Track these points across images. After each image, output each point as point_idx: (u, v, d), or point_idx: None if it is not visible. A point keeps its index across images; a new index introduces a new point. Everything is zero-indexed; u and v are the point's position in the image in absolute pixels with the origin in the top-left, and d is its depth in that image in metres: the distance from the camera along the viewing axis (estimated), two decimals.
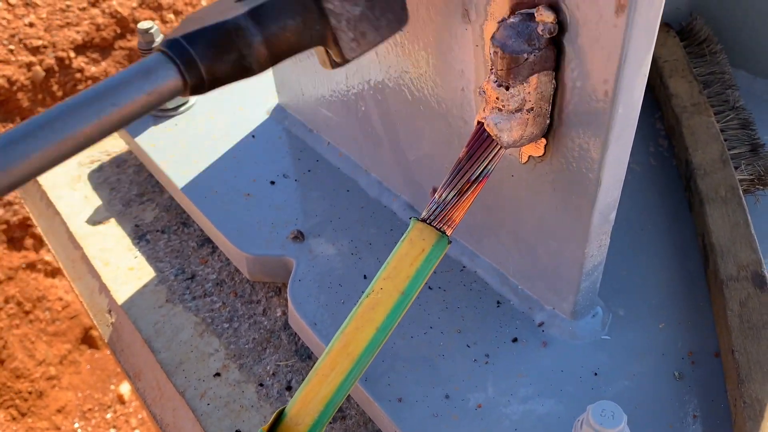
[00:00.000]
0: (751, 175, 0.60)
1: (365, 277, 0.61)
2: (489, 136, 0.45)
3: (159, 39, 0.78)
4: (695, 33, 0.77)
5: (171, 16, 1.83)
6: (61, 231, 0.81)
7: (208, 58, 0.35)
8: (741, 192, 0.58)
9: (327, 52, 0.42)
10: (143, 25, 0.77)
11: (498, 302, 0.59)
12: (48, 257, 1.67)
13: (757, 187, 0.61)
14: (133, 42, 1.75)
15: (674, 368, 0.53)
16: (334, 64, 0.42)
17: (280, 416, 0.44)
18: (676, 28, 0.79)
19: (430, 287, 0.60)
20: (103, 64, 1.70)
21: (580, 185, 0.46)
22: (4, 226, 1.59)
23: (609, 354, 0.54)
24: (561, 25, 0.41)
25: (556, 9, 0.40)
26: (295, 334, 0.64)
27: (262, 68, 0.37)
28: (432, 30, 0.51)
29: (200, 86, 0.35)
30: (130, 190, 0.83)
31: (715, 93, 0.69)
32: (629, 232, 0.64)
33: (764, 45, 0.76)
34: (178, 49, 0.34)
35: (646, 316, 0.57)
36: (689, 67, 0.72)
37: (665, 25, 0.79)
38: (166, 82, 0.34)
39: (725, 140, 0.64)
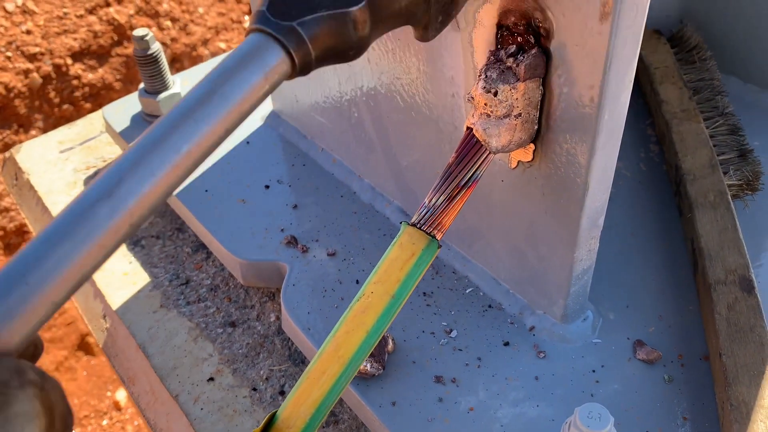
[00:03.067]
0: (740, 180, 0.61)
1: (358, 281, 0.62)
2: (478, 141, 0.46)
3: (155, 46, 0.79)
4: (685, 40, 0.77)
5: (168, 23, 1.84)
6: None
7: (314, 31, 0.32)
8: (729, 197, 0.58)
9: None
10: (139, 32, 0.78)
11: (489, 306, 0.59)
12: None
13: (745, 192, 0.62)
14: (131, 49, 1.76)
15: (664, 371, 0.53)
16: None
17: (272, 419, 0.44)
18: (667, 35, 0.80)
19: (422, 292, 0.61)
20: (101, 71, 1.71)
21: (569, 190, 0.47)
22: (0, 233, 1.60)
23: (599, 357, 0.55)
24: (547, 32, 0.42)
25: (542, 15, 0.41)
26: (289, 339, 0.64)
27: (362, 43, 0.34)
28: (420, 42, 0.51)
29: (307, 65, 0.32)
30: None
31: (704, 99, 0.70)
32: (619, 237, 0.64)
33: (754, 51, 0.77)
34: (291, 35, 0.31)
35: (635, 319, 0.57)
36: (679, 73, 0.73)
37: (655, 32, 0.80)
38: (276, 63, 0.31)
39: (714, 146, 0.64)
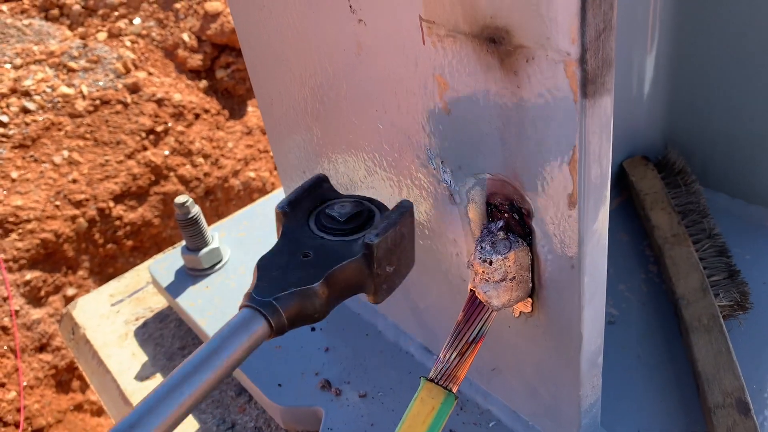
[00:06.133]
0: (730, 301, 0.66)
1: (390, 422, 0.67)
2: (481, 302, 0.52)
3: (194, 210, 0.88)
4: (671, 164, 0.85)
5: (200, 159, 1.99)
6: (113, 388, 0.88)
7: (286, 303, 0.45)
8: (722, 320, 0.64)
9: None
10: (180, 199, 0.88)
11: None
12: (93, 398, 1.74)
13: (737, 311, 0.67)
14: (167, 187, 1.90)
15: None
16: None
17: None
18: (654, 160, 0.88)
19: (450, 430, 0.66)
20: (140, 210, 1.84)
21: (566, 337, 0.53)
22: (52, 371, 1.68)
23: None
24: (528, 212, 0.49)
25: (522, 199, 0.49)
26: None
27: (324, 309, 0.48)
28: (426, 207, 0.59)
29: (281, 328, 0.45)
30: (173, 344, 0.91)
31: (692, 222, 0.76)
32: (626, 360, 0.69)
33: (737, 167, 0.83)
34: (270, 308, 0.45)
35: None
36: (668, 198, 0.79)
37: (644, 158, 0.88)
38: (258, 329, 0.44)
39: (704, 268, 0.70)
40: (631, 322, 0.73)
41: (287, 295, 0.45)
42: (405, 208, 0.52)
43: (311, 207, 0.55)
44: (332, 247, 0.50)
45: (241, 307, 0.46)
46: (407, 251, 0.53)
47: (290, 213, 0.53)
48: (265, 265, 0.49)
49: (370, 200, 0.55)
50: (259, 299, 0.45)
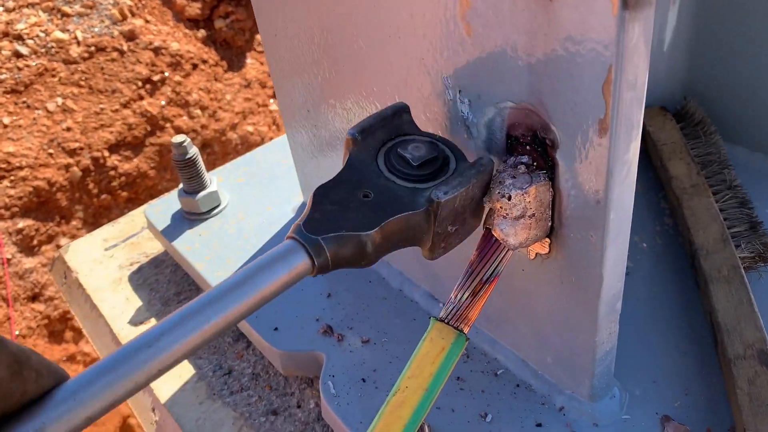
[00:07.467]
0: (752, 252, 0.63)
1: (393, 369, 0.65)
2: (497, 239, 0.50)
3: (192, 151, 0.85)
4: (690, 115, 0.81)
5: (198, 111, 1.94)
6: (105, 333, 0.86)
7: (333, 245, 0.41)
8: (743, 271, 0.61)
9: None
10: (177, 138, 0.84)
11: (519, 386, 0.62)
12: (87, 348, 1.72)
13: (758, 263, 0.64)
14: (163, 138, 1.86)
15: None
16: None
17: None
18: (672, 111, 0.84)
19: (456, 377, 0.64)
20: (135, 160, 1.80)
21: (585, 280, 0.50)
22: (45, 321, 1.66)
23: None
24: (553, 143, 0.46)
25: (546, 129, 0.45)
26: (330, 426, 0.67)
27: (373, 258, 0.44)
28: None
29: (324, 268, 0.42)
30: (168, 289, 0.89)
31: (712, 173, 0.73)
32: (642, 311, 0.67)
33: (757, 120, 0.80)
34: (316, 247, 0.41)
35: (661, 394, 0.59)
36: (687, 149, 0.76)
37: (662, 108, 0.84)
38: (300, 264, 0.41)
39: (725, 219, 0.67)
40: (646, 274, 0.71)
41: (337, 237, 0.41)
42: (483, 167, 0.46)
43: (385, 138, 0.49)
44: (396, 193, 0.45)
45: (287, 238, 0.42)
46: (476, 213, 0.48)
47: (361, 142, 0.48)
48: (321, 196, 0.44)
49: (448, 144, 0.49)
50: (307, 235, 0.41)
